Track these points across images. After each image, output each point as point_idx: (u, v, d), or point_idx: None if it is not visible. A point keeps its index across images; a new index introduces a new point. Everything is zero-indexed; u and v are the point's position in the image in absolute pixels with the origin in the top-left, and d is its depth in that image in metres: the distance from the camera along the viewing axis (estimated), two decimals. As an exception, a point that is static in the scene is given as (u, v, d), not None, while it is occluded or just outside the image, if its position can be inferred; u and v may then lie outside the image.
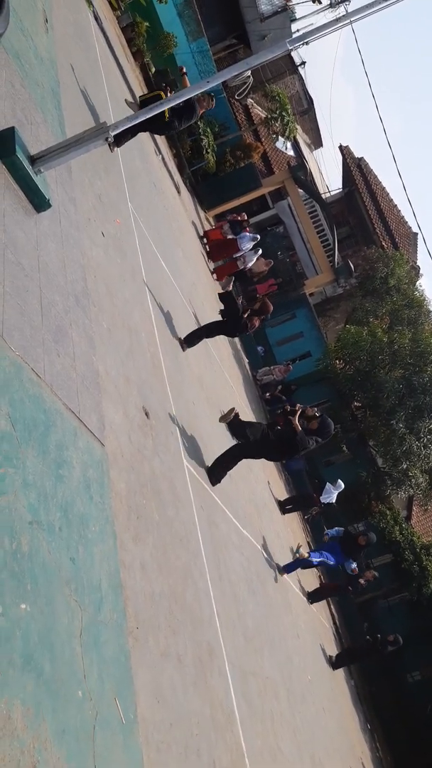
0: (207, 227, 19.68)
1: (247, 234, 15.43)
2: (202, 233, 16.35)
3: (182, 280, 10.72)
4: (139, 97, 7.77)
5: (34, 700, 2.26)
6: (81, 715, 2.55)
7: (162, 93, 8.25)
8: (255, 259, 15.76)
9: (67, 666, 2.57)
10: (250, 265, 15.79)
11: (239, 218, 16.38)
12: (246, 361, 19.97)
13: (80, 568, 2.99)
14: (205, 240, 16.25)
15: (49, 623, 2.54)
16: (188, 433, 6.65)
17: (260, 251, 16.38)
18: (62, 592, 2.74)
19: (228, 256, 15.99)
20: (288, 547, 12.18)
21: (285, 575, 10.50)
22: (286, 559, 11.00)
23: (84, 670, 2.69)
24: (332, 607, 17.85)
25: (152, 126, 8.47)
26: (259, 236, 15.92)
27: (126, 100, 7.49)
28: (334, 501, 15.37)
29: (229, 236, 15.93)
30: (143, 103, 8.30)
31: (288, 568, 10.60)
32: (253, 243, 15.45)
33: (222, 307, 12.44)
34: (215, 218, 21.44)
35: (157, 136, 14.96)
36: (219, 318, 11.18)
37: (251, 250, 16.11)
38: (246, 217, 16.93)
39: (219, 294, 12.85)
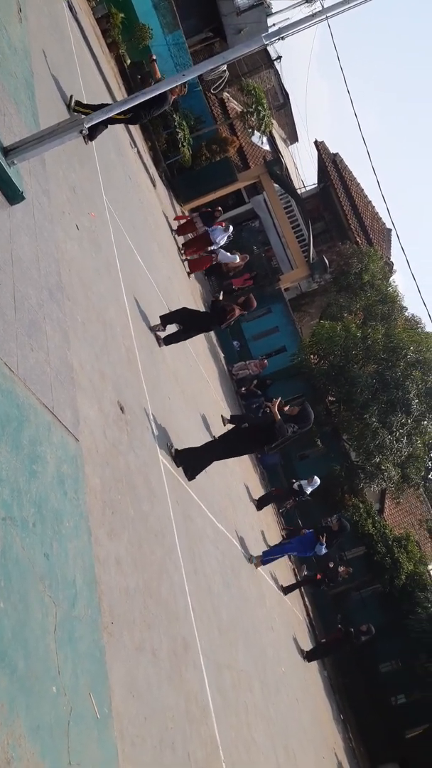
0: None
1: (219, 227, 15.33)
2: (174, 226, 16.19)
3: (158, 274, 10.68)
4: (75, 102, 7.67)
5: (8, 697, 2.25)
6: (55, 711, 2.54)
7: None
8: (225, 240, 15.58)
9: (41, 662, 2.56)
10: (219, 241, 15.58)
11: (212, 211, 16.26)
12: (221, 355, 19.99)
13: (54, 564, 2.98)
14: (174, 229, 16.00)
15: (22, 619, 2.53)
16: (164, 428, 6.64)
17: (236, 257, 16.23)
18: (36, 588, 2.72)
19: (202, 250, 15.89)
20: (262, 540, 12.25)
21: (260, 568, 10.57)
22: (261, 551, 11.06)
23: (58, 665, 2.69)
24: (306, 599, 18.02)
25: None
26: (231, 228, 15.81)
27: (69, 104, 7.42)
28: (308, 492, 15.48)
29: (200, 227, 15.81)
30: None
31: (265, 559, 10.62)
32: (226, 236, 15.34)
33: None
34: (191, 212, 21.37)
35: (132, 129, 14.85)
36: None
37: (227, 250, 16.07)
38: (221, 210, 16.85)
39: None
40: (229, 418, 12.93)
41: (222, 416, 12.53)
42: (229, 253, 15.93)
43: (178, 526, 5.79)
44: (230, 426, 11.98)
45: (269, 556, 10.92)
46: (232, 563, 8.32)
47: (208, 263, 16.15)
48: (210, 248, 15.63)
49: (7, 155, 4.01)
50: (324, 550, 12.61)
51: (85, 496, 3.71)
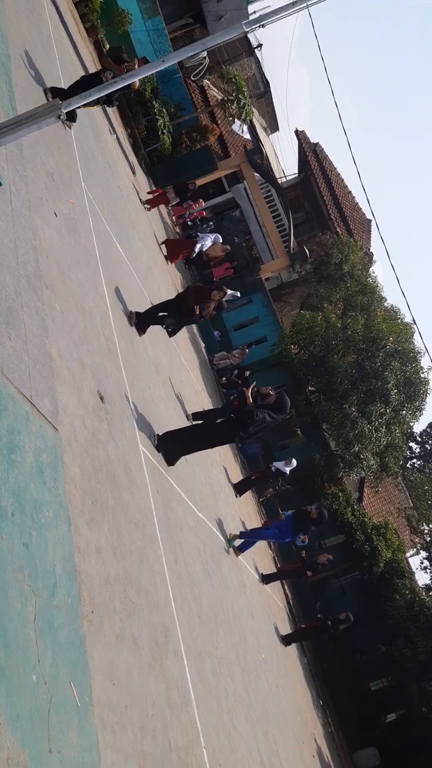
0: (163, 209, 19.49)
1: (207, 234, 15.20)
2: (145, 200, 15.60)
3: (137, 262, 10.61)
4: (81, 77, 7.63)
5: (-13, 686, 2.24)
6: (35, 700, 2.54)
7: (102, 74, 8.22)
8: (210, 243, 15.59)
9: (21, 651, 2.55)
10: (206, 248, 15.62)
11: (187, 183, 16.03)
12: (202, 345, 19.97)
13: (33, 554, 2.96)
14: (145, 202, 15.54)
15: (1, 609, 2.51)
16: (144, 417, 6.63)
17: (219, 238, 16.17)
18: (15, 578, 2.71)
19: (188, 251, 15.63)
20: (243, 530, 12.31)
21: (240, 556, 10.63)
22: (241, 539, 11.11)
23: (38, 654, 2.68)
24: (286, 587, 18.18)
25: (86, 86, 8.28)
26: (213, 224, 15.79)
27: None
28: (287, 472, 15.49)
29: (173, 202, 15.57)
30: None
31: (242, 548, 10.71)
32: (212, 237, 15.22)
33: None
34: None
35: (111, 116, 14.68)
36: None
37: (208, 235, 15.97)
38: (195, 183, 16.65)
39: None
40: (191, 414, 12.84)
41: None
42: (208, 240, 15.79)
43: (159, 515, 5.79)
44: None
45: (246, 539, 10.89)
46: (213, 552, 8.35)
47: (187, 247, 15.93)
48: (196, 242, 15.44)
49: (-17, 140, 3.94)
50: (303, 537, 12.68)
51: (65, 485, 3.69)
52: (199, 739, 4.72)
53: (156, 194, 16.00)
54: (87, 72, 12.02)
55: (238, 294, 17.17)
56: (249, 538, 11.08)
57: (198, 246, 15.29)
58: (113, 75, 8.33)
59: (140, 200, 14.68)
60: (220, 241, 15.55)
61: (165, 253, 15.19)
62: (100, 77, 8.57)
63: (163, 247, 15.65)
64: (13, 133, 4.04)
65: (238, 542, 10.54)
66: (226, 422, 7.96)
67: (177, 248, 15.55)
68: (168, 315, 8.74)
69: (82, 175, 7.99)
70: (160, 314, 8.60)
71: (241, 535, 10.76)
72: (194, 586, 6.42)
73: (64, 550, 3.35)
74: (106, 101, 9.26)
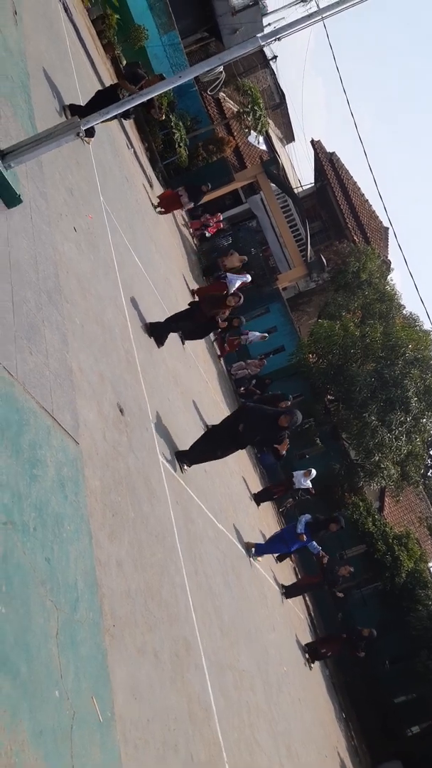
0: (180, 221, 19.60)
1: (234, 276, 14.99)
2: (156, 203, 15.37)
3: (155, 274, 10.68)
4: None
5: (11, 702, 2.25)
6: (58, 715, 2.54)
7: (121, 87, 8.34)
8: (239, 284, 15.09)
9: (44, 666, 2.56)
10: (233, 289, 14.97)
11: (199, 186, 15.84)
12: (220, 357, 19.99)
13: (55, 568, 2.98)
14: (156, 205, 15.31)
15: (24, 624, 2.53)
16: (163, 429, 6.64)
17: (248, 278, 15.86)
18: (38, 593, 2.72)
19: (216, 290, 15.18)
20: (263, 541, 12.24)
21: (258, 560, 10.40)
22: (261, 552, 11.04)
23: (61, 669, 2.69)
24: (307, 598, 18.02)
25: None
26: (249, 277, 15.69)
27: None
28: (309, 487, 15.33)
29: (186, 203, 15.46)
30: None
31: (260, 550, 10.46)
32: (241, 281, 14.94)
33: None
34: (188, 213, 21.38)
35: (128, 130, 14.83)
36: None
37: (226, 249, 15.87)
38: (208, 186, 16.56)
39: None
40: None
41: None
42: (237, 280, 15.35)
43: (179, 527, 5.78)
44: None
45: (267, 550, 10.73)
46: (233, 563, 8.32)
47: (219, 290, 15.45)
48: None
49: (4, 158, 4.01)
50: (318, 549, 12.38)
51: (86, 498, 3.71)
52: (221, 753, 4.69)
53: (167, 196, 15.72)
54: (104, 86, 12.16)
55: (267, 335, 16.97)
56: (268, 549, 10.93)
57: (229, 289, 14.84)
58: (129, 93, 8.45)
59: (152, 204, 14.65)
60: (248, 279, 15.41)
61: (192, 289, 15.13)
62: (117, 92, 8.68)
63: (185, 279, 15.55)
64: (34, 151, 4.10)
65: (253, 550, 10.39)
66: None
67: (207, 290, 15.45)
68: (183, 322, 8.80)
69: (100, 190, 8.08)
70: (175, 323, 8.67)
71: (258, 549, 10.55)
72: (215, 598, 6.40)
73: (86, 563, 3.36)
74: (123, 114, 9.38)
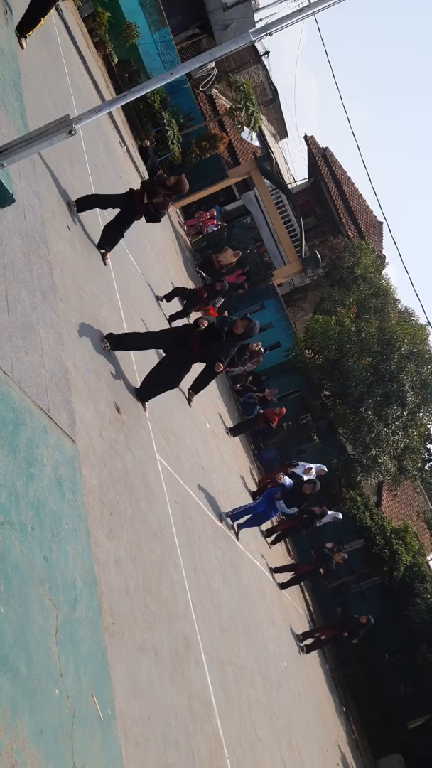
0: (175, 219, 19.57)
1: (301, 464, 14.49)
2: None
3: (150, 272, 10.66)
4: None
5: (11, 701, 2.25)
6: (58, 714, 2.54)
7: None
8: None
9: (43, 665, 2.56)
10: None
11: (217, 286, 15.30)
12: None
13: (54, 567, 2.98)
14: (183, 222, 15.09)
15: (23, 623, 2.53)
16: (160, 427, 6.64)
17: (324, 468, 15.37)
18: (36, 592, 2.72)
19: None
20: (261, 537, 12.27)
21: (235, 525, 9.82)
22: (258, 543, 11.06)
23: (60, 668, 2.69)
24: (306, 593, 18.06)
25: None
26: (225, 230, 15.53)
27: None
28: (313, 477, 15.14)
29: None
30: None
31: (235, 517, 9.95)
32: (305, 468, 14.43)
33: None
34: (181, 210, 21.35)
35: (121, 127, 14.79)
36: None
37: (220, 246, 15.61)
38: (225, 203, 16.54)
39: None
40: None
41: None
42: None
43: (177, 524, 5.79)
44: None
45: (237, 514, 10.17)
46: (232, 560, 8.33)
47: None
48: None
49: (-4, 158, 3.99)
50: (288, 509, 11.91)
51: (83, 497, 3.71)
52: (222, 749, 4.70)
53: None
54: (97, 89, 12.12)
55: (340, 516, 15.80)
56: (244, 516, 10.27)
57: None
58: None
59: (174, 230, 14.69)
60: (325, 469, 15.01)
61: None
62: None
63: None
64: (26, 150, 4.08)
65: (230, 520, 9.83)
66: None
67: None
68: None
69: (93, 188, 8.06)
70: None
71: (233, 516, 9.95)
72: (214, 594, 6.41)
73: (84, 562, 3.36)
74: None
